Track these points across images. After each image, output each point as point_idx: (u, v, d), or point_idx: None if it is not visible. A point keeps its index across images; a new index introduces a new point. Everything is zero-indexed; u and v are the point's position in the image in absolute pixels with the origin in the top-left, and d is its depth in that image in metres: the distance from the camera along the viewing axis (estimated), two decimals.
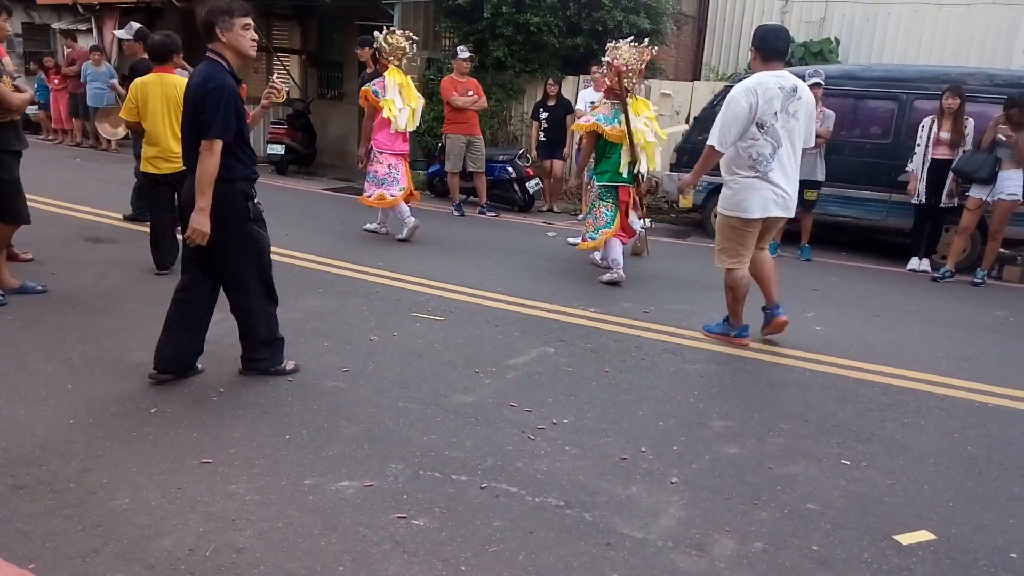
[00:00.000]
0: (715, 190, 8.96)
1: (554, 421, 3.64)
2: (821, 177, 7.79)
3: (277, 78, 4.18)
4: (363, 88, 7.37)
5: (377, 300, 5.44)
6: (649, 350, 4.75)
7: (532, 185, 10.10)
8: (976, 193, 7.08)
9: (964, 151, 7.22)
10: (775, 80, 4.54)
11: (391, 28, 7.44)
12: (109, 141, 13.03)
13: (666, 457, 3.36)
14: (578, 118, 7.39)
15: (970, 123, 7.29)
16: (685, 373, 4.41)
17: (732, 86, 9.60)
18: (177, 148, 5.81)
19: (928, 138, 7.37)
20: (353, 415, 3.57)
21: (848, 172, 8.13)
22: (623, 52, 6.29)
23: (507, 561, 2.54)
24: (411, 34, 7.43)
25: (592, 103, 8.80)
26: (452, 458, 3.22)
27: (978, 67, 9.23)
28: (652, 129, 6.41)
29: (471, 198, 9.90)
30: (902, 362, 4.77)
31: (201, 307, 3.88)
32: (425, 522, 2.74)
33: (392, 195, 7.37)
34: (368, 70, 8.89)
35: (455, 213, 9.33)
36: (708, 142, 4.72)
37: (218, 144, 3.50)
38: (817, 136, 7.53)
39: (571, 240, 7.74)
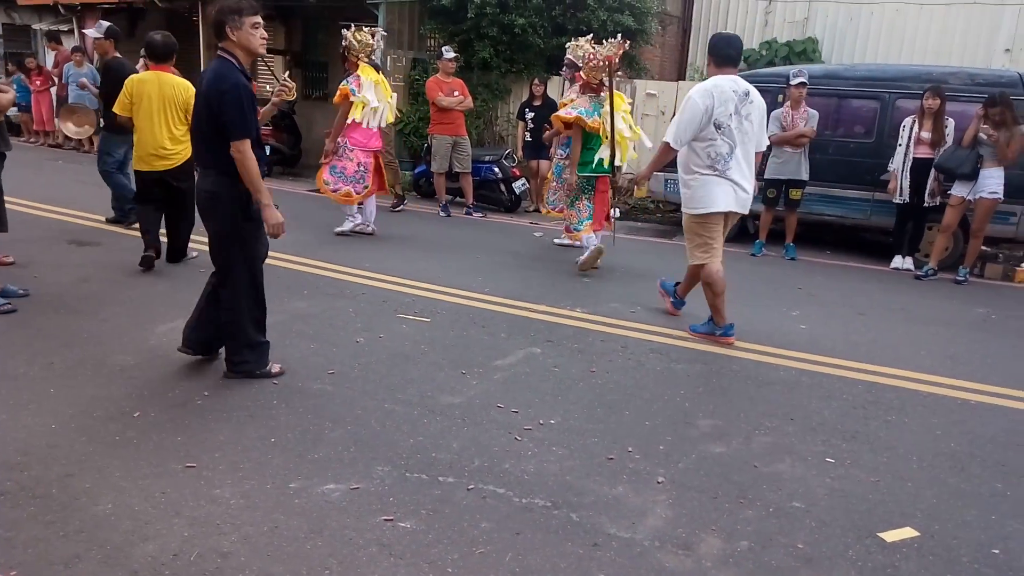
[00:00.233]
0: None
1: (541, 422, 3.64)
2: (805, 176, 7.84)
3: (289, 75, 4.26)
4: (342, 86, 7.37)
5: (363, 302, 5.43)
6: (635, 350, 4.77)
7: (519, 185, 10.11)
8: (958, 191, 7.14)
9: (945, 148, 7.29)
10: (729, 84, 4.78)
11: (359, 25, 7.43)
12: (90, 140, 12.90)
13: (652, 457, 3.37)
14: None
15: (950, 123, 7.36)
16: (671, 372, 4.43)
17: None
18: (171, 146, 5.95)
19: (909, 138, 7.43)
20: (339, 417, 3.56)
21: (832, 171, 8.18)
22: (583, 48, 6.66)
23: (494, 563, 2.54)
24: (379, 30, 7.43)
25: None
26: (439, 460, 3.21)
27: (960, 66, 9.31)
28: (628, 124, 6.61)
29: (457, 199, 9.89)
30: (886, 360, 4.81)
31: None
32: (412, 524, 2.73)
33: (357, 192, 7.47)
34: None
35: (441, 214, 9.32)
36: (664, 139, 4.92)
37: (246, 143, 3.60)
38: (801, 135, 7.65)
39: (556, 241, 7.75)
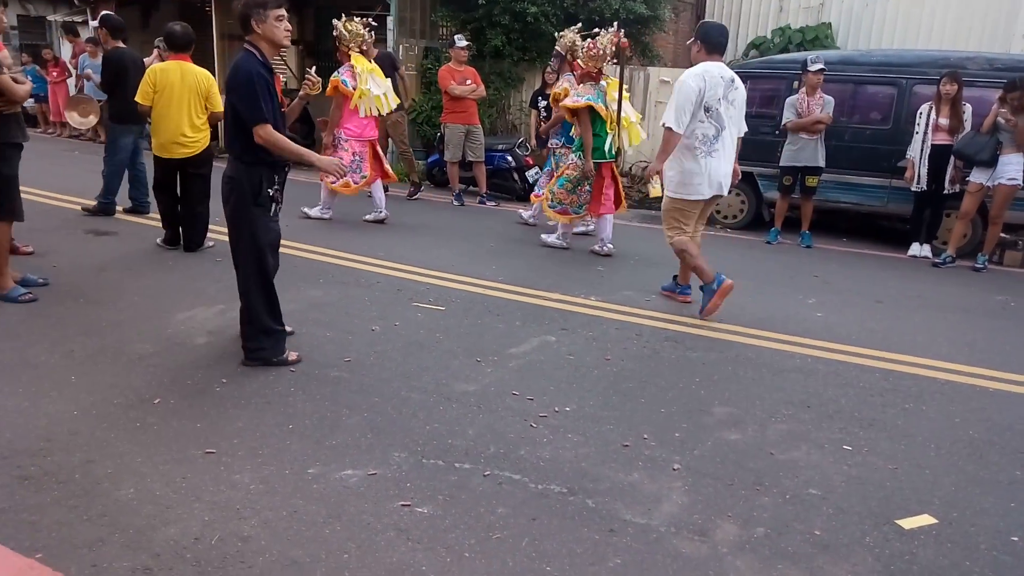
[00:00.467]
0: None
1: (556, 409, 3.65)
2: (822, 163, 7.78)
3: (313, 70, 4.35)
4: (332, 78, 7.37)
5: (378, 290, 5.44)
6: (650, 338, 4.76)
7: (532, 174, 10.08)
8: (976, 178, 7.07)
9: (964, 134, 7.21)
10: (717, 70, 5.01)
11: (350, 15, 7.41)
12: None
13: (668, 444, 3.37)
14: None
15: (967, 108, 7.27)
16: (686, 360, 4.42)
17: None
18: (192, 134, 6.13)
19: (927, 124, 7.35)
20: (356, 404, 3.58)
21: (848, 158, 8.12)
22: (568, 38, 6.99)
23: (511, 548, 2.56)
24: (370, 20, 7.41)
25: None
26: (455, 446, 3.23)
27: (977, 51, 9.19)
28: (627, 108, 6.83)
29: (471, 187, 9.89)
30: (903, 348, 4.78)
31: None
32: (429, 510, 2.75)
33: (355, 182, 7.51)
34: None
35: (455, 203, 9.32)
36: (665, 125, 4.99)
37: (266, 127, 3.70)
38: (818, 122, 7.59)
39: (544, 238, 7.58)
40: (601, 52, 6.49)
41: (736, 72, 9.51)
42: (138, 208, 7.43)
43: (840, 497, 2.99)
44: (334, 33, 7.41)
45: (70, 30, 14.25)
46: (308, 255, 6.25)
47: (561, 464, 3.13)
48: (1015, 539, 2.77)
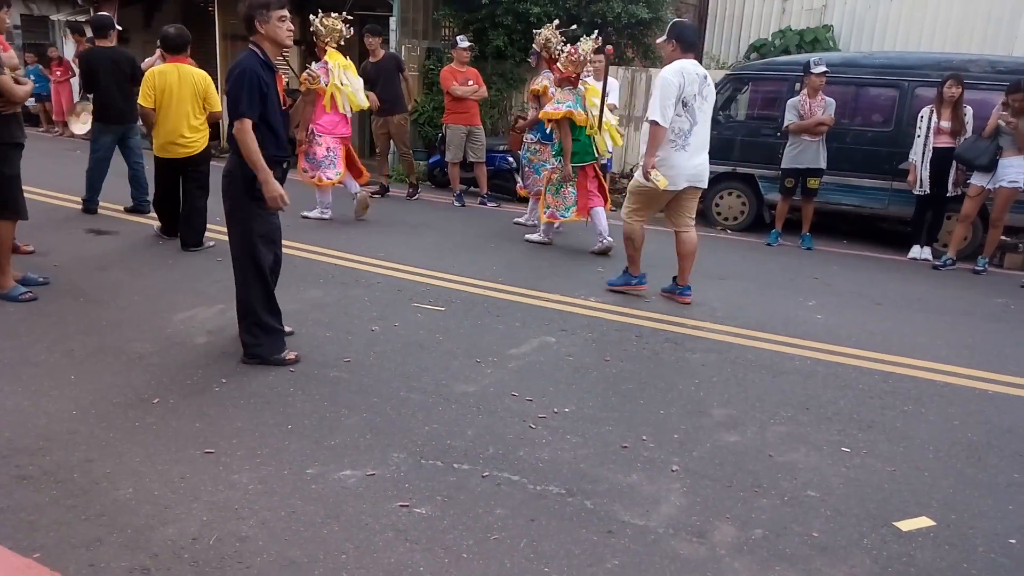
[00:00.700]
0: (715, 179, 8.96)
1: (555, 410, 3.65)
2: (824, 164, 7.77)
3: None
4: (303, 75, 7.38)
5: (378, 290, 5.45)
6: (650, 339, 4.76)
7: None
8: (977, 181, 7.06)
9: (965, 138, 7.21)
10: (693, 67, 5.25)
11: (327, 12, 7.41)
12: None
13: (667, 445, 3.37)
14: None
15: (968, 111, 7.27)
16: (685, 362, 4.42)
17: (733, 74, 9.63)
18: (190, 134, 6.24)
19: (928, 127, 7.34)
20: (355, 405, 3.58)
21: (849, 160, 8.12)
22: (544, 35, 7.23)
23: (509, 549, 2.56)
24: (347, 16, 7.43)
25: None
26: (454, 447, 3.23)
27: (980, 54, 9.19)
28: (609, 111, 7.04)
29: (472, 188, 9.89)
30: (903, 350, 4.78)
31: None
32: (427, 510, 2.75)
33: (328, 178, 7.54)
34: (371, 59, 8.90)
35: (456, 203, 9.32)
36: (651, 119, 5.23)
37: (245, 123, 3.73)
38: (821, 123, 7.59)
39: (529, 236, 7.59)
40: (581, 58, 6.66)
41: (738, 74, 9.60)
42: (138, 207, 7.44)
43: (838, 499, 2.99)
44: (311, 29, 7.41)
45: (76, 29, 14.28)
46: (308, 255, 6.25)
47: (560, 465, 3.13)
48: (1013, 542, 2.77)
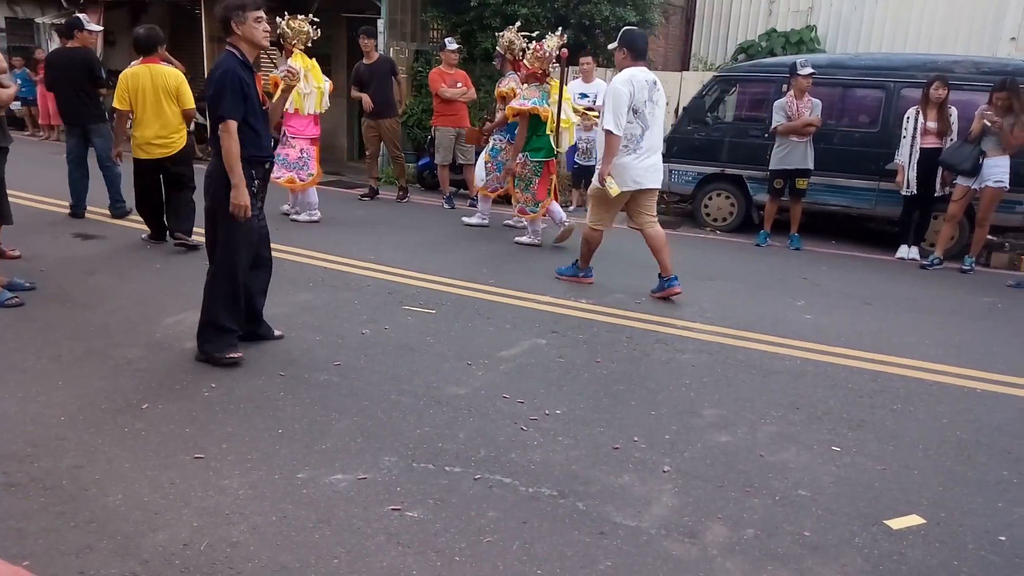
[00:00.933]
0: (704, 180, 9.02)
1: (547, 412, 3.65)
2: (811, 165, 7.81)
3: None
4: (272, 75, 7.40)
5: (368, 293, 5.43)
6: (640, 340, 4.77)
7: None
8: (963, 181, 7.11)
9: (951, 140, 7.27)
10: (642, 74, 5.43)
11: (293, 14, 7.40)
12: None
13: (658, 446, 3.38)
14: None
15: (954, 112, 7.33)
16: (676, 363, 4.43)
17: (721, 76, 9.67)
18: (168, 133, 6.26)
19: (914, 128, 7.39)
20: (346, 408, 3.57)
21: (837, 161, 8.16)
22: (507, 37, 7.41)
23: (501, 551, 2.55)
24: (313, 18, 7.43)
25: (583, 94, 8.87)
26: (445, 450, 3.23)
27: (964, 55, 9.26)
28: (566, 110, 7.17)
29: (461, 190, 9.88)
30: (891, 349, 4.81)
31: (249, 277, 4.16)
32: (419, 514, 2.75)
33: (302, 179, 7.60)
34: (365, 60, 8.88)
35: (445, 206, 9.31)
36: (604, 127, 5.39)
37: (230, 124, 3.76)
38: (809, 124, 7.63)
39: (518, 239, 7.59)
40: (547, 54, 6.78)
41: (726, 76, 9.64)
42: (111, 208, 7.40)
43: (829, 498, 3.00)
44: (277, 31, 7.38)
45: (63, 34, 14.18)
46: (298, 258, 6.23)
47: (551, 467, 3.13)
48: (1002, 539, 2.79)
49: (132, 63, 7.63)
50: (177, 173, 6.34)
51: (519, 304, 5.36)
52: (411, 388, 3.84)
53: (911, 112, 7.45)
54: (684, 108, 9.71)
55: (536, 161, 6.99)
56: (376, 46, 9.15)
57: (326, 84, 7.71)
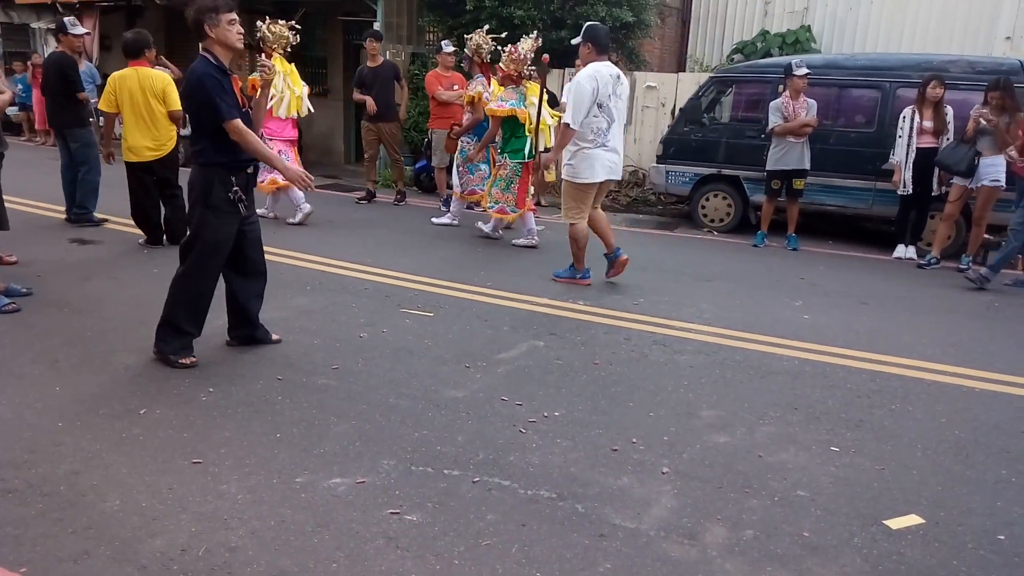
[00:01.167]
0: (700, 181, 9.03)
1: (545, 414, 3.65)
2: (808, 165, 7.82)
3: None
4: (251, 77, 7.39)
5: (365, 297, 5.43)
6: (638, 342, 4.77)
7: None
8: (959, 180, 7.13)
9: (947, 140, 7.28)
10: (606, 69, 5.57)
11: (274, 18, 7.40)
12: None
13: (657, 447, 3.37)
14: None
15: (949, 111, 7.35)
16: (674, 364, 4.43)
17: (716, 77, 9.68)
18: (157, 135, 6.35)
19: (910, 128, 7.40)
20: (344, 412, 3.56)
21: (833, 161, 8.17)
22: (475, 40, 7.63)
23: (500, 554, 2.55)
24: (294, 23, 7.42)
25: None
26: (444, 453, 3.22)
27: (959, 55, 9.28)
28: (548, 112, 7.25)
29: None
30: (889, 349, 4.81)
31: (231, 284, 4.19)
32: (418, 517, 2.74)
33: (281, 180, 7.56)
34: (370, 63, 8.89)
35: (443, 208, 9.30)
36: (564, 121, 5.57)
37: (235, 123, 3.77)
38: (806, 125, 7.65)
39: (515, 241, 7.57)
40: (521, 56, 6.84)
41: (722, 76, 9.65)
42: (69, 212, 7.34)
43: (828, 498, 3.00)
44: (257, 35, 7.37)
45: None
46: (295, 262, 6.22)
47: (550, 469, 3.13)
48: (1001, 538, 2.79)
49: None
50: (164, 177, 6.48)
51: (517, 306, 5.36)
52: (409, 391, 3.84)
53: (907, 112, 7.46)
54: (680, 109, 9.73)
55: (515, 162, 7.07)
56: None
57: (304, 89, 7.73)
